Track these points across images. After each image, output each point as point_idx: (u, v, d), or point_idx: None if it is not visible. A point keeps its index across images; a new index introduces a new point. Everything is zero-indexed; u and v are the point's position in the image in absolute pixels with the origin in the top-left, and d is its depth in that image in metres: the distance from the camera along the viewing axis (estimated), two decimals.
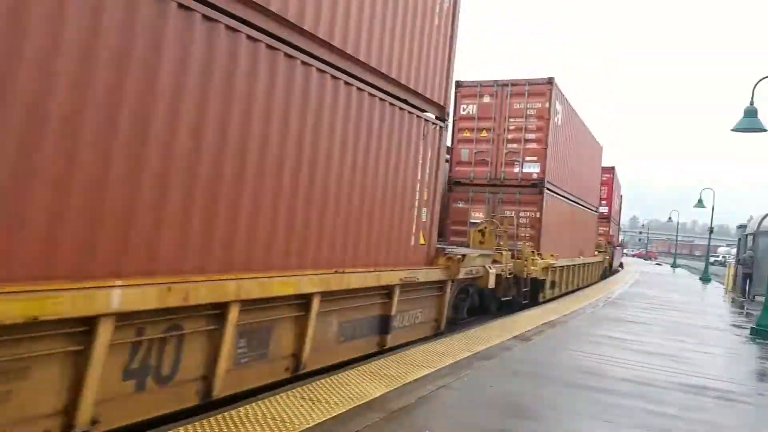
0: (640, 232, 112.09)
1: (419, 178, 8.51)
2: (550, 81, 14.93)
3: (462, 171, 15.42)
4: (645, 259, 78.99)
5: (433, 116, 8.98)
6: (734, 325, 14.76)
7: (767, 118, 13.08)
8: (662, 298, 20.62)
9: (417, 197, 8.48)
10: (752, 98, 13.00)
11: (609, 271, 31.79)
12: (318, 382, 5.81)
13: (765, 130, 13.00)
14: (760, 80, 13.33)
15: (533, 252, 14.12)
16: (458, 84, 15.17)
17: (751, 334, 12.69)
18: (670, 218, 58.46)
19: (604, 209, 30.78)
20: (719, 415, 6.25)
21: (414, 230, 8.40)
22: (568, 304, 15.14)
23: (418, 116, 8.40)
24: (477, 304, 11.88)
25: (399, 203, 8.01)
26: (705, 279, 34.87)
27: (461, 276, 9.67)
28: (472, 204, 15.15)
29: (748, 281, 23.71)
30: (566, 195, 17.87)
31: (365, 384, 5.91)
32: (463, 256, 9.64)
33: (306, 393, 5.43)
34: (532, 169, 14.79)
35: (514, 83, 15.12)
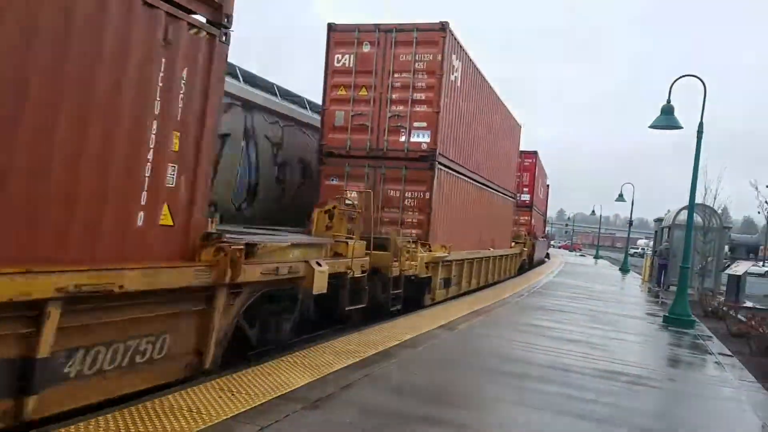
0: (566, 225, 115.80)
1: (157, 112, 5.13)
2: (443, 27, 11.94)
3: (336, 139, 12.27)
4: (570, 251, 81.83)
5: (202, 18, 5.71)
6: (649, 314, 15.46)
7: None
8: (584, 287, 21.38)
9: (152, 146, 5.10)
10: (669, 96, 13.59)
11: (529, 264, 28.92)
12: (238, 374, 5.70)
13: (680, 128, 13.62)
14: (677, 79, 13.93)
15: (415, 243, 11.36)
16: (331, 27, 12.43)
17: (664, 322, 13.32)
18: (593, 211, 60.63)
19: (525, 197, 28.57)
20: (631, 399, 6.52)
21: (145, 202, 5.06)
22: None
23: (150, 5, 4.96)
24: (311, 316, 8.41)
25: (102, 152, 4.62)
26: (624, 270, 36.38)
27: (253, 277, 6.25)
28: (348, 181, 12.12)
29: (663, 272, 24.86)
30: (470, 174, 15.08)
31: (288, 374, 5.85)
32: (252, 245, 6.26)
33: (224, 384, 5.31)
34: (421, 138, 11.93)
35: (399, 28, 12.08)
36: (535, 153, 29.57)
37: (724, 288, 21.70)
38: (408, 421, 4.99)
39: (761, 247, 49.13)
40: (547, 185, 40.34)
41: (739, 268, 20.79)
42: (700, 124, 13.36)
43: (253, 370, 5.89)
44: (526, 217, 28.89)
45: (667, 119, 13.54)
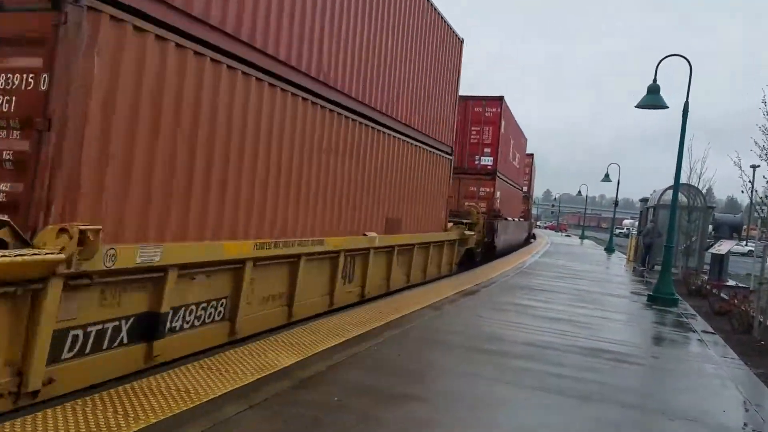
0: (553, 205, 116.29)
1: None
2: None
3: None
4: (556, 231, 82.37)
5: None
6: (634, 293, 15.62)
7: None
8: (569, 267, 21.54)
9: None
10: (655, 75, 13.64)
11: (487, 254, 20.42)
12: (226, 353, 5.73)
13: (666, 107, 13.67)
14: (663, 59, 13.97)
15: None
16: None
17: (648, 301, 13.48)
18: (579, 192, 60.91)
19: (486, 160, 20.96)
20: (612, 376, 6.62)
21: None
22: None
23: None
24: None
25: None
26: (609, 250, 36.69)
27: None
28: None
29: (648, 251, 25.07)
30: (307, 84, 7.77)
31: (275, 354, 5.88)
32: None
33: (213, 364, 5.34)
34: None
35: None
36: (500, 99, 21.26)
37: (707, 267, 21.95)
38: (393, 398, 5.05)
39: (744, 227, 49.74)
40: (530, 155, 35.56)
41: (723, 247, 20.97)
42: (686, 104, 13.43)
43: (241, 349, 5.92)
44: (488, 189, 21.09)
45: (653, 99, 13.59)
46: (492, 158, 21.20)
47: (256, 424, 4.20)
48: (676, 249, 18.72)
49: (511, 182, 25.84)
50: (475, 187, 20.74)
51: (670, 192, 17.19)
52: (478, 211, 19.48)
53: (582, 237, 58.55)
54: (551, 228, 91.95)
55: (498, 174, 21.59)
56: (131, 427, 3.87)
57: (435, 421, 4.69)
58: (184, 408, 4.26)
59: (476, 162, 20.91)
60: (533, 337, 8.14)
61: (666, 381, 6.93)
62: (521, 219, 31.57)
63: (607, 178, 37.87)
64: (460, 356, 6.83)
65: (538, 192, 67.26)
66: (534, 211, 60.71)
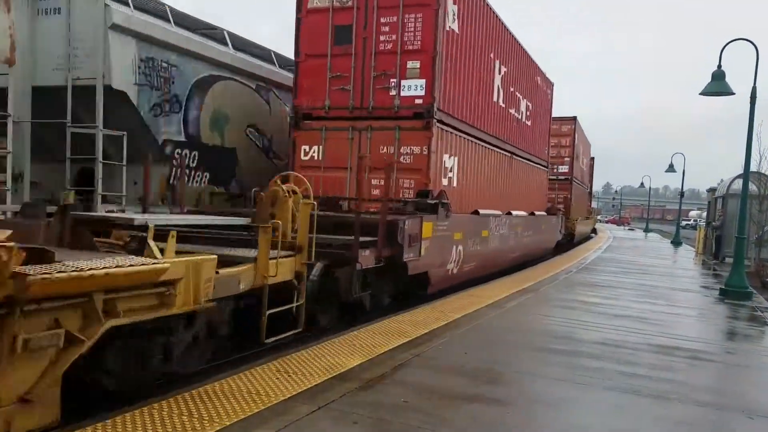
0: (613, 198, 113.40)
1: None
2: None
3: None
4: (618, 225, 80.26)
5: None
6: (704, 287, 15.08)
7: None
8: (635, 262, 20.96)
9: None
10: (720, 62, 13.12)
11: (405, 292, 10.08)
12: (293, 356, 5.83)
13: (732, 93, 13.14)
14: (728, 43, 13.44)
15: None
16: None
17: (720, 295, 12.98)
18: (642, 184, 59.24)
19: (412, 87, 10.28)
20: (688, 374, 6.40)
21: None
22: None
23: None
24: None
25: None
26: (676, 242, 35.50)
27: None
28: None
29: (719, 243, 24.14)
30: None
31: (340, 355, 5.95)
32: None
33: (281, 366, 5.44)
34: None
35: None
36: None
37: None
38: (459, 399, 5.02)
39: None
40: (571, 118, 27.04)
41: None
42: (753, 89, 12.85)
43: (307, 351, 6.01)
44: (417, 147, 10.35)
45: (718, 85, 13.08)
46: (424, 82, 10.35)
47: (327, 425, 4.25)
48: (748, 240, 17.94)
49: (507, 146, 15.31)
50: (389, 146, 10.50)
51: (739, 181, 16.53)
52: (287, 192, 7.18)
53: (646, 230, 56.89)
54: (613, 222, 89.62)
55: (440, 115, 10.56)
56: (206, 429, 3.98)
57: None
58: (256, 410, 4.36)
59: (391, 93, 10.51)
60: (602, 336, 7.96)
61: (743, 377, 6.66)
62: (543, 213, 20.34)
63: (671, 168, 36.66)
64: (527, 356, 6.75)
65: (596, 185, 65.20)
66: (594, 205, 59.28)
